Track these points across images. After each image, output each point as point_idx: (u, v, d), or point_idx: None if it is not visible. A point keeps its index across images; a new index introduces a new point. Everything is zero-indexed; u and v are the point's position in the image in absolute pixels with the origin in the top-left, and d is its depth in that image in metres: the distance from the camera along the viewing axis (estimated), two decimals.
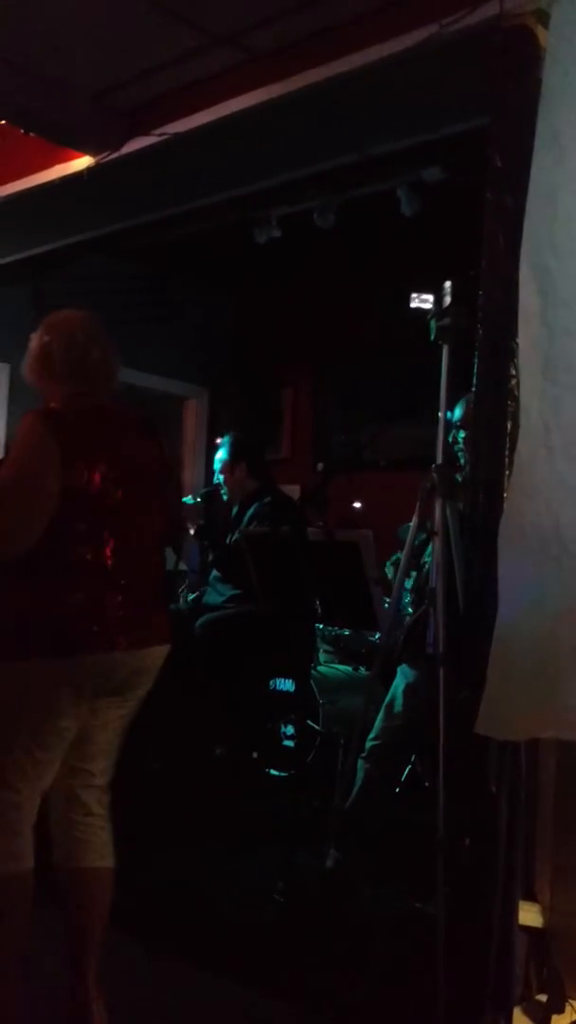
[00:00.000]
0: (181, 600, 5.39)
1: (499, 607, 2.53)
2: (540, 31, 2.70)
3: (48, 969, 2.65)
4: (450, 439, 3.39)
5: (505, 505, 2.59)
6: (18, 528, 2.48)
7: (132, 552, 2.62)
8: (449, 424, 3.22)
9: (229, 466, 5.03)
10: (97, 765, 2.70)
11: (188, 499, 5.03)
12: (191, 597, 5.38)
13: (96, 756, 2.69)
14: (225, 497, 5.08)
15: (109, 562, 2.57)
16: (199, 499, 5.00)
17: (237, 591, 4.88)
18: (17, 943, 2.54)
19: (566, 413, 2.55)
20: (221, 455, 5.07)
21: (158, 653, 2.71)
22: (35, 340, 2.76)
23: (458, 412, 3.44)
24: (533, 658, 2.51)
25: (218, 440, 5.22)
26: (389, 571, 3.94)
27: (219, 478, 5.08)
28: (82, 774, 2.67)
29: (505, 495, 2.65)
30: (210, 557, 5.17)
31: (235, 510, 5.05)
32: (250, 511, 4.88)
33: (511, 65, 2.75)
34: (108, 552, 2.57)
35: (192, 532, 4.95)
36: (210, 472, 6.86)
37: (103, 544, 2.57)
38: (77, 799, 2.66)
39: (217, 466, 5.11)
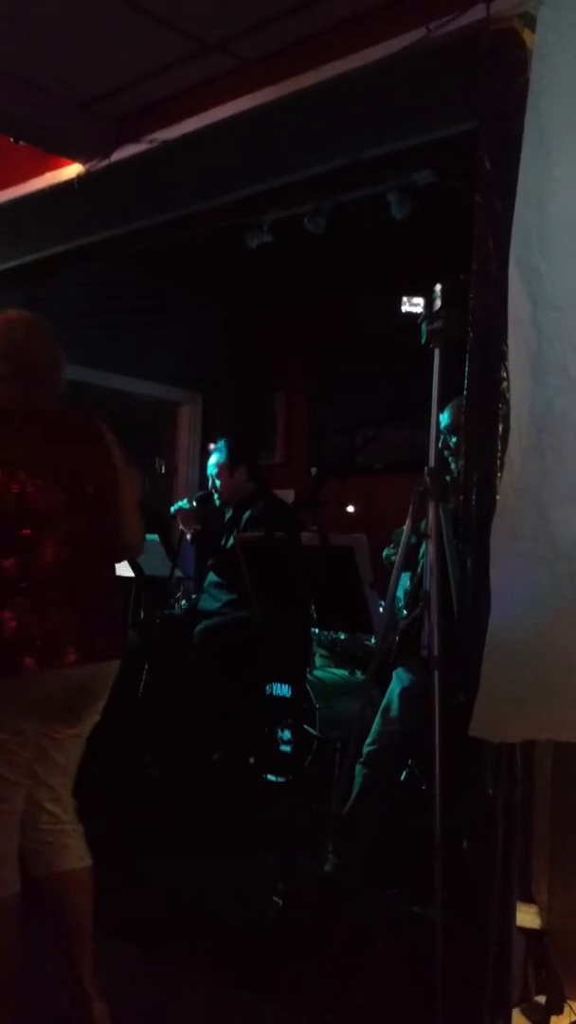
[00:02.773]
0: (176, 606, 5.39)
1: (492, 609, 2.54)
2: (527, 34, 2.71)
3: (47, 975, 2.65)
4: (439, 444, 3.40)
5: (497, 507, 2.60)
6: None
7: (63, 564, 2.51)
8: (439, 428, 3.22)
9: (228, 469, 5.03)
10: (59, 780, 2.66)
11: (183, 503, 5.03)
12: (184, 604, 5.38)
13: (57, 773, 2.66)
14: (217, 498, 5.07)
15: (33, 574, 2.47)
16: (194, 503, 4.99)
17: (232, 596, 4.88)
18: (4, 968, 2.55)
19: (556, 415, 2.55)
20: (217, 459, 5.07)
21: (98, 670, 2.60)
22: None
23: (446, 417, 3.44)
24: (525, 660, 2.52)
25: (211, 445, 5.22)
26: (388, 552, 3.94)
27: (216, 482, 5.07)
28: (46, 789, 2.64)
29: (498, 496, 2.66)
30: (209, 562, 5.16)
31: (228, 514, 5.05)
32: (246, 515, 4.89)
33: (498, 68, 2.76)
34: (31, 563, 2.47)
35: (189, 537, 4.95)
36: (205, 477, 6.88)
37: (26, 554, 2.47)
38: (45, 811, 2.64)
39: (212, 470, 5.10)
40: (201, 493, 5.21)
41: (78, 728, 2.66)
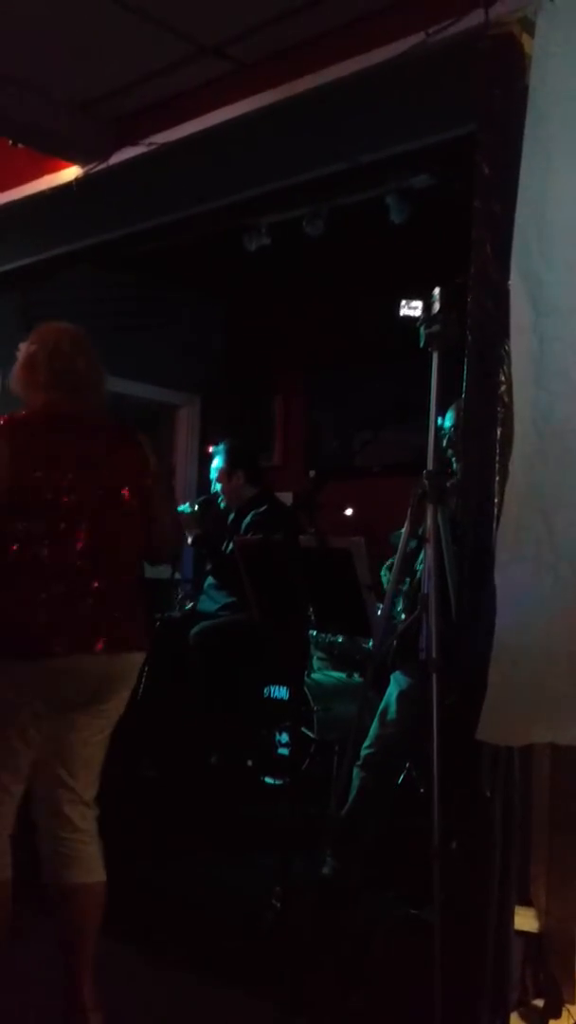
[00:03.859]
0: (179, 608, 5.39)
1: (498, 613, 2.54)
2: (526, 39, 2.72)
3: (46, 980, 2.65)
4: (444, 443, 3.40)
5: (502, 512, 2.60)
6: None
7: (86, 558, 2.62)
8: (440, 430, 3.23)
9: (227, 474, 5.04)
10: (80, 781, 2.68)
11: (185, 507, 5.04)
12: (187, 606, 5.38)
13: (78, 772, 2.68)
14: (223, 505, 5.08)
15: (54, 566, 2.58)
16: (196, 507, 4.99)
17: (231, 599, 4.88)
18: None
19: (558, 420, 2.56)
20: (217, 463, 5.08)
21: (124, 660, 2.68)
22: (23, 349, 2.82)
23: (450, 418, 3.45)
24: (531, 664, 2.53)
25: (211, 448, 5.22)
26: (385, 576, 3.94)
27: (216, 486, 5.08)
28: (66, 790, 2.66)
29: (496, 500, 2.66)
30: (208, 566, 5.17)
31: (231, 517, 5.05)
32: (247, 519, 4.89)
33: (497, 73, 2.75)
34: (54, 555, 2.59)
35: (190, 541, 4.95)
36: (203, 480, 6.88)
37: (49, 547, 2.58)
38: (62, 815, 2.65)
39: (214, 474, 5.11)
40: (203, 497, 5.21)
41: (103, 720, 2.69)
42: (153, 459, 2.83)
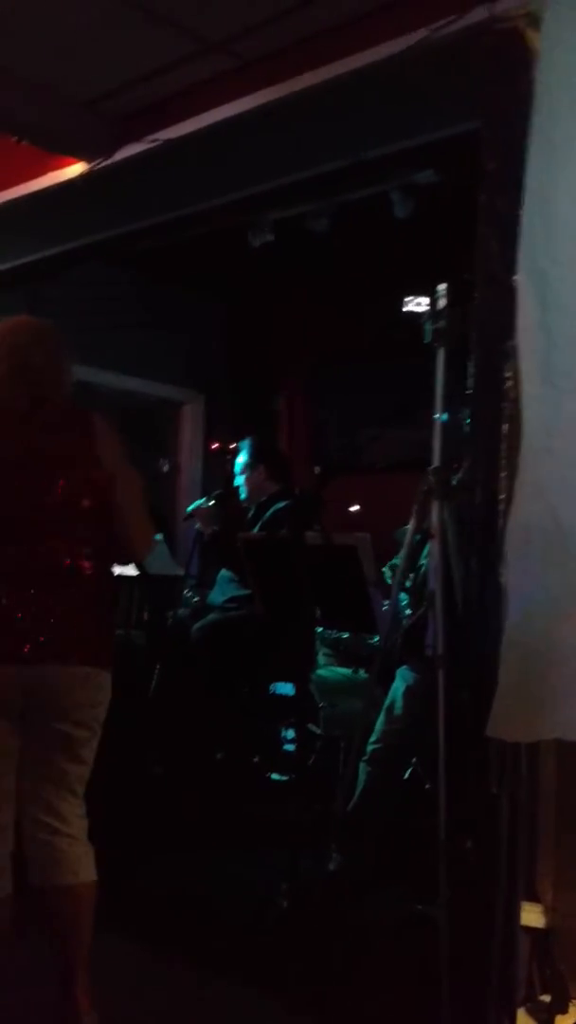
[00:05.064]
0: (183, 606, 5.39)
1: (508, 610, 2.54)
2: (531, 34, 2.71)
3: (43, 982, 2.65)
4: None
5: (511, 509, 2.60)
6: None
7: (29, 562, 2.55)
8: (449, 426, 3.22)
9: (248, 468, 5.05)
10: (51, 792, 2.62)
11: (201, 501, 5.03)
12: (194, 600, 5.37)
13: (44, 782, 2.62)
14: (243, 497, 5.08)
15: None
16: (212, 502, 4.98)
17: (239, 592, 4.88)
18: None
19: (566, 417, 2.56)
20: (242, 458, 5.09)
21: (60, 673, 2.56)
22: None
23: None
24: (540, 660, 2.53)
25: (232, 445, 5.21)
26: (387, 575, 3.95)
27: (240, 480, 5.08)
28: (36, 798, 2.61)
29: (503, 496, 2.66)
30: (219, 558, 5.15)
31: (252, 513, 5.04)
32: (268, 514, 4.89)
33: (502, 68, 2.75)
34: None
35: (207, 535, 4.92)
36: (208, 477, 6.88)
37: None
38: (38, 821, 2.61)
39: (237, 468, 5.12)
40: (218, 492, 5.20)
41: (61, 740, 2.59)
42: (111, 452, 2.67)
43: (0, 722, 2.56)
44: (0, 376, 2.69)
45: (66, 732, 2.59)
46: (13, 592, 2.54)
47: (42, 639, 2.53)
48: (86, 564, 2.62)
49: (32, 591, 2.54)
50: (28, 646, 2.52)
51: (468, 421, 3.39)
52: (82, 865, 2.62)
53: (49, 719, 2.58)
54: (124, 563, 2.92)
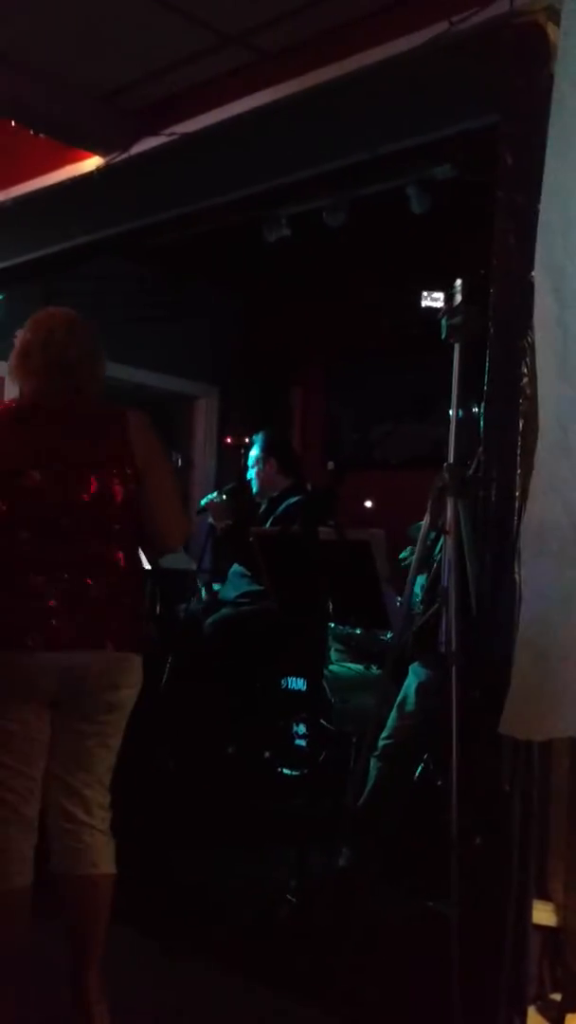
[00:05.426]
0: (194, 600, 5.39)
1: (522, 608, 2.53)
2: (551, 28, 2.69)
3: (53, 972, 2.66)
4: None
5: (526, 507, 2.59)
6: None
7: (69, 552, 2.58)
8: (465, 422, 3.20)
9: (260, 462, 5.05)
10: (77, 778, 2.65)
11: (213, 495, 5.03)
12: (205, 595, 5.38)
13: (74, 769, 2.65)
14: (255, 490, 5.07)
15: (35, 559, 2.56)
16: (224, 496, 4.98)
17: (252, 588, 4.87)
18: (6, 960, 2.57)
19: None
20: (254, 452, 5.09)
21: (100, 659, 2.60)
22: (19, 336, 2.79)
23: None
24: (555, 658, 2.52)
25: (247, 439, 5.21)
26: (406, 554, 3.94)
27: (251, 473, 5.08)
28: (64, 786, 2.64)
29: (517, 493, 2.65)
30: (231, 551, 5.14)
31: (263, 507, 5.04)
32: (280, 509, 4.88)
33: (521, 62, 2.74)
34: (26, 547, 2.56)
35: (220, 529, 4.92)
36: (222, 471, 6.88)
37: (25, 541, 2.56)
38: (63, 809, 2.64)
39: (249, 462, 5.11)
40: (231, 485, 5.20)
41: (92, 725, 2.64)
42: (145, 447, 2.70)
43: (33, 710, 2.59)
44: (37, 369, 2.71)
45: (100, 717, 2.64)
46: (49, 582, 2.57)
47: (77, 626, 2.57)
48: (119, 555, 2.67)
49: (67, 581, 2.58)
50: (64, 633, 2.56)
51: (483, 417, 3.39)
52: (103, 857, 2.65)
53: (84, 704, 2.62)
54: (156, 555, 2.95)
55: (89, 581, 2.60)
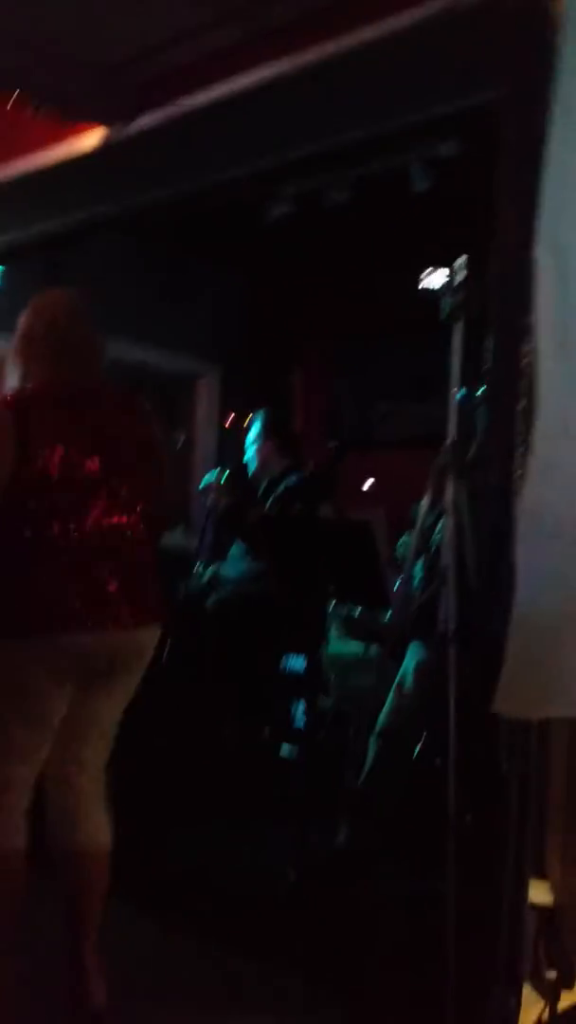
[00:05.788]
0: (193, 579, 5.39)
1: (517, 587, 2.52)
2: (556, 3, 2.65)
3: (49, 943, 2.67)
4: (477, 414, 3.36)
5: (524, 486, 2.57)
6: None
7: (105, 531, 2.61)
8: (466, 402, 3.19)
9: (258, 442, 5.03)
10: (88, 751, 2.69)
11: (213, 474, 5.02)
12: (206, 574, 5.38)
13: (89, 742, 2.68)
14: (252, 470, 5.06)
15: (74, 540, 2.56)
16: (225, 475, 4.96)
17: (253, 567, 4.87)
18: (4, 923, 2.58)
19: None
20: (253, 431, 5.07)
21: (141, 635, 2.67)
22: (21, 321, 2.77)
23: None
24: (549, 637, 2.51)
25: (248, 418, 5.19)
26: (400, 551, 3.94)
27: (250, 453, 5.07)
28: (75, 759, 2.67)
29: (518, 472, 2.64)
30: (231, 531, 5.14)
31: (262, 487, 5.03)
32: (280, 489, 4.87)
33: (525, 36, 2.69)
34: (73, 530, 2.56)
35: (220, 509, 4.92)
36: (223, 450, 6.87)
37: (67, 522, 2.56)
38: (69, 783, 2.66)
39: (248, 441, 5.10)
40: (230, 466, 5.18)
41: (120, 693, 2.69)
42: (153, 427, 2.80)
43: (62, 689, 2.58)
44: (41, 355, 2.69)
45: (129, 692, 2.70)
46: (102, 562, 2.59)
47: (130, 604, 2.62)
48: (145, 534, 2.72)
49: (118, 560, 2.62)
50: (123, 611, 2.60)
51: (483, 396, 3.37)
52: (103, 830, 2.68)
53: (119, 680, 2.67)
54: (163, 531, 3.00)
55: (133, 558, 2.65)
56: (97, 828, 2.67)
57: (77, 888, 2.66)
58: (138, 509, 2.70)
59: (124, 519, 2.66)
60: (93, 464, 2.61)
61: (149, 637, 2.70)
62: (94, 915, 2.64)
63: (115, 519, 2.64)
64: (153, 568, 2.75)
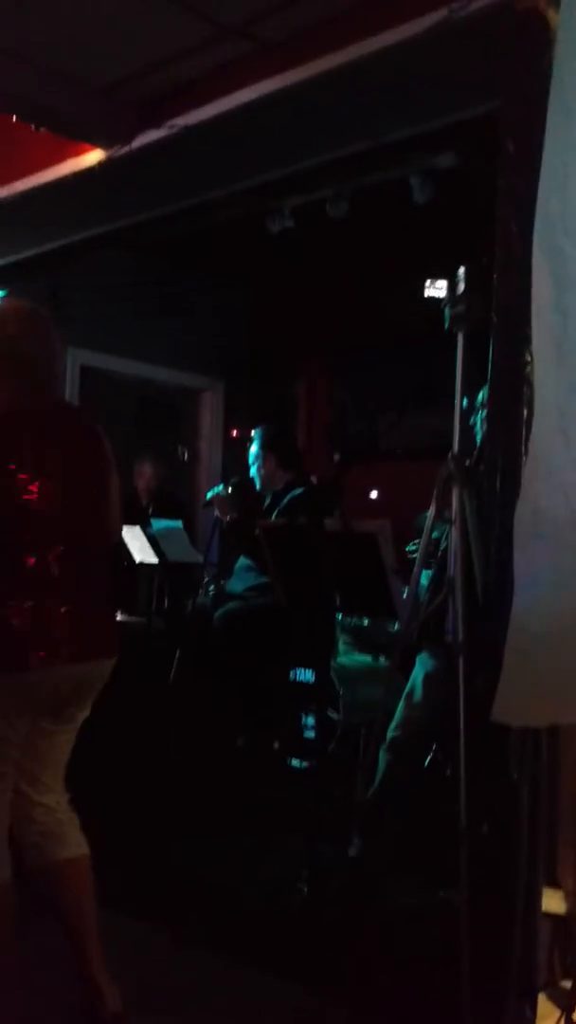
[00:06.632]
0: (201, 593, 5.40)
1: (515, 593, 2.52)
2: (551, 14, 2.67)
3: (56, 968, 2.67)
4: (473, 422, 3.36)
5: (521, 490, 2.58)
6: None
7: (64, 563, 2.54)
8: (466, 411, 3.20)
9: (260, 457, 5.05)
10: (50, 774, 2.67)
11: (219, 489, 5.03)
12: (212, 588, 5.39)
13: (49, 767, 2.67)
14: (258, 487, 5.08)
15: (35, 574, 2.50)
16: (230, 489, 4.98)
17: (259, 581, 4.88)
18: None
19: None
20: (253, 448, 5.09)
21: (97, 668, 2.63)
22: None
23: (483, 395, 3.42)
24: (548, 643, 2.50)
25: (253, 432, 5.21)
26: (413, 547, 3.94)
27: (253, 469, 5.09)
28: (37, 783, 2.64)
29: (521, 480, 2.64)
30: (235, 543, 5.15)
31: (267, 501, 5.05)
32: (284, 502, 4.89)
33: (522, 49, 2.71)
34: (34, 561, 2.50)
35: (226, 522, 4.93)
36: (227, 464, 6.89)
37: (24, 555, 2.50)
38: (39, 804, 2.64)
39: (251, 458, 5.12)
40: (235, 479, 5.20)
41: (71, 724, 2.66)
42: (108, 444, 2.71)
43: (29, 718, 2.57)
44: None
45: (83, 717, 2.67)
46: (63, 593, 2.54)
47: (93, 635, 2.60)
48: (106, 559, 2.70)
49: (78, 591, 2.57)
50: (84, 643, 2.56)
51: (481, 399, 3.38)
52: (79, 839, 2.68)
53: (80, 707, 2.65)
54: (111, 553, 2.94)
55: (96, 587, 2.62)
56: (72, 837, 2.67)
57: (71, 900, 2.64)
58: (93, 536, 2.64)
59: (82, 549, 2.58)
60: (54, 491, 2.54)
61: (96, 672, 2.63)
62: (92, 924, 2.63)
63: (74, 549, 2.56)
64: (107, 599, 2.70)
